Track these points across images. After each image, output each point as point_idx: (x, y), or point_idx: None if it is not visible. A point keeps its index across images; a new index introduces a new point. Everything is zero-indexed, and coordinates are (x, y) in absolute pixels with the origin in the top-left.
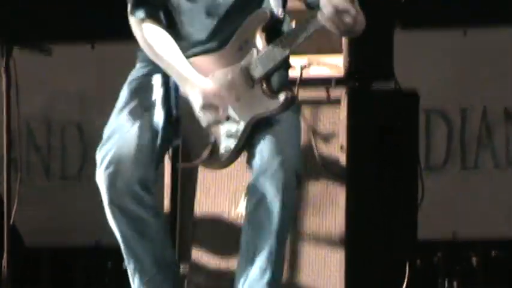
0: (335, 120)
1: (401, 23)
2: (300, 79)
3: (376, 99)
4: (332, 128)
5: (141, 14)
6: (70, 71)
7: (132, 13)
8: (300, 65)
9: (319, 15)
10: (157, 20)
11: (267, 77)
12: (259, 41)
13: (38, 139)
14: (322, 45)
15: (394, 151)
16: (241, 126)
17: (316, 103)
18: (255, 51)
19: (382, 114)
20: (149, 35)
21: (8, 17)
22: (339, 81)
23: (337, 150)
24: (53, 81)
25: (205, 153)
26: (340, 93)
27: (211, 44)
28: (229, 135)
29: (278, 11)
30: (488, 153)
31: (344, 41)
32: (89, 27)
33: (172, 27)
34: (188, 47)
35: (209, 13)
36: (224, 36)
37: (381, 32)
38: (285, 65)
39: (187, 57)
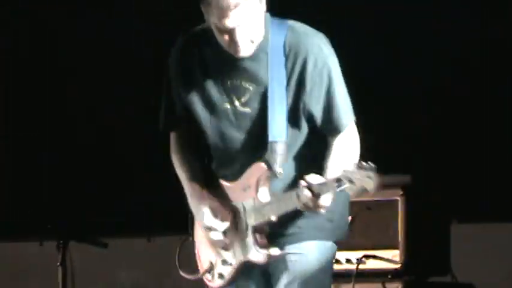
0: None
1: (458, 217)
2: (356, 272)
3: None
4: None
5: (172, 131)
6: (126, 264)
7: (163, 130)
8: (356, 259)
9: (296, 199)
10: (186, 138)
11: (256, 229)
12: (259, 191)
13: None
14: (378, 240)
15: None
16: (235, 261)
17: None
18: (253, 199)
19: None
20: (177, 148)
21: (65, 211)
22: (395, 275)
23: None
24: (108, 273)
25: (203, 271)
26: (396, 286)
27: (226, 173)
28: (224, 263)
29: (277, 169)
30: None
31: (401, 235)
32: (145, 220)
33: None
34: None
35: (224, 142)
36: (235, 170)
37: (438, 226)
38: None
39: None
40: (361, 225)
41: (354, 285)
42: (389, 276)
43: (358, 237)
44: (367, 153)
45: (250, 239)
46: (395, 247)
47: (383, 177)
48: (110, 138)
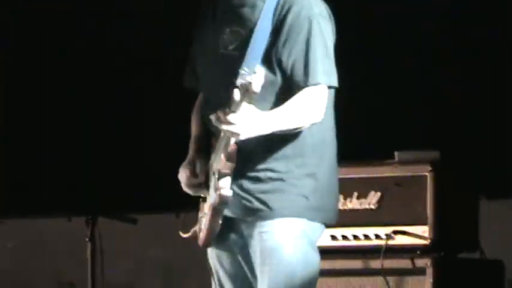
0: None
1: (487, 193)
2: (385, 248)
3: (461, 269)
4: None
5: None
6: (155, 240)
7: (185, 86)
8: (385, 235)
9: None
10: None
11: (219, 173)
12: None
13: None
14: (407, 216)
15: None
16: (207, 209)
17: (401, 273)
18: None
19: (467, 283)
20: (195, 109)
21: (94, 187)
22: (424, 251)
23: None
24: (137, 249)
25: (194, 229)
26: (425, 262)
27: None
28: (201, 216)
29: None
30: None
31: (430, 211)
32: (174, 197)
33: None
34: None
35: (213, 91)
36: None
37: (467, 202)
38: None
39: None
40: (390, 201)
41: (382, 261)
42: (418, 252)
43: (386, 213)
44: (395, 128)
45: (213, 183)
46: (424, 223)
47: (412, 153)
48: (131, 124)
